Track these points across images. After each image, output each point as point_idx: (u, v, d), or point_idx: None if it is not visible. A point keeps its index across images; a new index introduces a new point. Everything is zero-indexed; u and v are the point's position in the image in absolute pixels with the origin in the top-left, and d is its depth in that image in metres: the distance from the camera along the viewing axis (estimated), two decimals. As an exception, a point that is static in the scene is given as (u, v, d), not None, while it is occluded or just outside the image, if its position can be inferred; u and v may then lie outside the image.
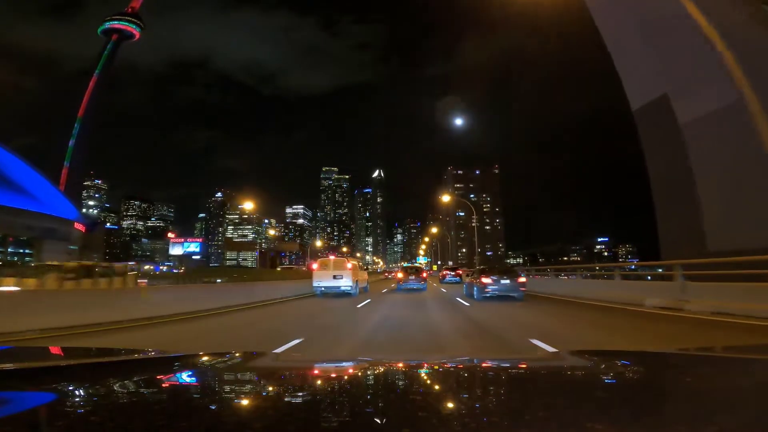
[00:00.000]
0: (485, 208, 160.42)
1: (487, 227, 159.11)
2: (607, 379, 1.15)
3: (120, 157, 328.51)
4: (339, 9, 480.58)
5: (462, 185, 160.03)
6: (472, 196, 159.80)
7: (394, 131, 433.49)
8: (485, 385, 1.14)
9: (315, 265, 16.89)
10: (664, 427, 0.64)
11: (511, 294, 12.39)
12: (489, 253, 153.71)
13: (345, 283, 15.47)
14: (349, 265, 16.21)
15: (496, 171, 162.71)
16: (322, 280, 15.69)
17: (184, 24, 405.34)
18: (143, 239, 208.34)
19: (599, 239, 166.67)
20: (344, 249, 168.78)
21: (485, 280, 12.64)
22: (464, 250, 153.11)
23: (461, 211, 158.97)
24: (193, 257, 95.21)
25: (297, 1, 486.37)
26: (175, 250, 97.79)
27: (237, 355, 1.57)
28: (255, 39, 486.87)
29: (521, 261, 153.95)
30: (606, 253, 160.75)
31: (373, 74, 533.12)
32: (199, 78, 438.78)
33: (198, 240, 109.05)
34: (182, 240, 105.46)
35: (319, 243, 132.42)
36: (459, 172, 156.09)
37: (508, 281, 12.58)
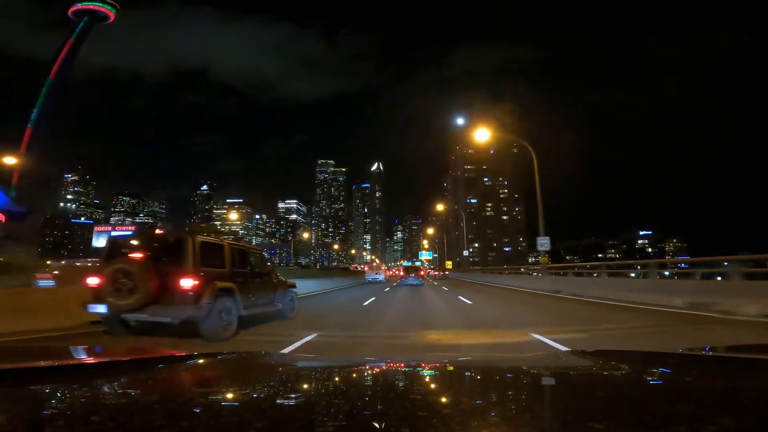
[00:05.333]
0: (502, 194, 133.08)
1: (505, 217, 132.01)
2: (607, 379, 1.14)
3: (120, 160, 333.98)
4: (337, 21, 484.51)
5: (473, 167, 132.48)
6: (485, 179, 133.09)
7: (394, 131, 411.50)
8: (485, 385, 1.13)
9: (366, 269, 48.70)
10: (664, 427, 0.64)
11: (443, 278, 40.19)
12: (507, 249, 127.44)
13: (381, 276, 35.33)
14: (383, 268, 48.77)
15: (515, 150, 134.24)
16: (370, 275, 35.61)
17: (186, 35, 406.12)
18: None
19: (641, 233, 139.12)
20: (337, 247, 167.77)
21: (434, 273, 53.77)
22: (477, 244, 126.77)
23: (473, 198, 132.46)
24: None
25: (296, 14, 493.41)
26: (100, 242, 74.60)
27: (237, 354, 1.59)
28: (255, 50, 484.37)
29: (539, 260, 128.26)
30: (649, 249, 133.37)
31: (372, 80, 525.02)
32: (199, 86, 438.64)
33: (129, 228, 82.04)
34: (108, 228, 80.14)
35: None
36: (469, 151, 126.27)
37: (441, 273, 46.56)
